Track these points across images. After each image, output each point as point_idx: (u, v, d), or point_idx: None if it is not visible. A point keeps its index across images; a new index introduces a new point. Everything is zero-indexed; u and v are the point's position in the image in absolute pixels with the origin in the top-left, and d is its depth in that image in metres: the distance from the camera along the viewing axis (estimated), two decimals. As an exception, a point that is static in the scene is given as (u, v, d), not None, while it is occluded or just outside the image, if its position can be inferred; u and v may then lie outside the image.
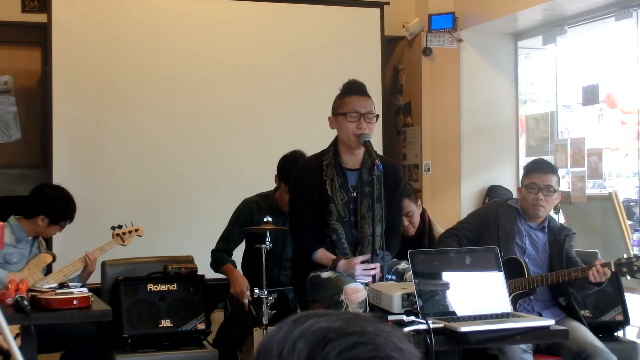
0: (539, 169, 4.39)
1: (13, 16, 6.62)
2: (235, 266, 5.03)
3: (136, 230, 4.94)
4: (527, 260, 4.26)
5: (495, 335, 3.04)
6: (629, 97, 9.38)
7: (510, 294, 3.35)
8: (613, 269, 4.03)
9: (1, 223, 3.43)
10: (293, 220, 4.18)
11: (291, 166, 4.77)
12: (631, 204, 6.74)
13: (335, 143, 4.10)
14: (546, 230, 4.37)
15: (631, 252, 5.28)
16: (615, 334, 4.85)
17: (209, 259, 5.07)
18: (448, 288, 3.20)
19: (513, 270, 4.10)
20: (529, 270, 4.18)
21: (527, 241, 4.33)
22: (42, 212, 4.75)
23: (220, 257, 5.04)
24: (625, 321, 4.84)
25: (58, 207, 4.81)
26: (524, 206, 4.36)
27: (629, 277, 4.18)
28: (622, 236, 6.07)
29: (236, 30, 6.76)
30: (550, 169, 4.44)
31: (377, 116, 4.07)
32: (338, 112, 4.03)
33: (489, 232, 4.29)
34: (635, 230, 5.34)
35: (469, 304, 3.18)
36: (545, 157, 7.09)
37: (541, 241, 4.35)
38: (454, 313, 3.12)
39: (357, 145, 3.96)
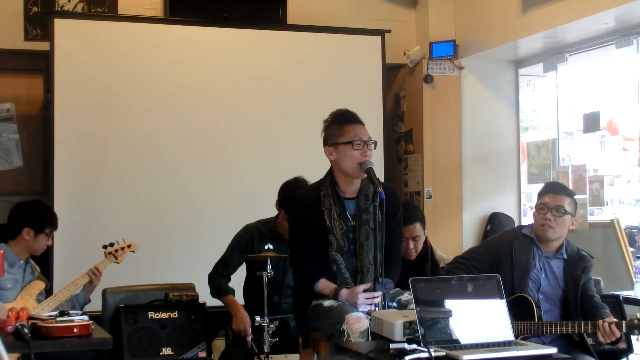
0: (551, 190, 4.31)
1: (16, 44, 6.65)
2: (234, 294, 5.00)
3: (129, 246, 4.90)
4: (541, 297, 4.17)
5: (497, 363, 3.01)
6: (631, 124, 9.40)
7: (516, 336, 3.29)
8: (624, 330, 3.93)
9: (1, 251, 3.41)
10: (293, 251, 4.16)
11: (292, 193, 4.76)
12: (633, 231, 6.72)
13: (330, 172, 4.09)
14: (564, 257, 4.26)
15: (634, 279, 5.24)
16: (619, 362, 4.82)
17: (207, 284, 5.03)
18: (450, 316, 3.17)
19: (523, 310, 4.01)
20: (540, 312, 4.07)
21: (543, 275, 4.23)
22: (24, 224, 4.75)
23: (220, 284, 5.00)
24: (629, 349, 4.81)
25: (38, 215, 4.81)
26: (536, 230, 4.27)
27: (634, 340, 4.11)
28: (624, 263, 6.06)
29: (237, 57, 6.79)
30: (563, 190, 4.33)
31: (376, 143, 4.07)
32: (339, 141, 4.00)
33: (502, 266, 4.15)
34: (638, 257, 5.31)
35: (471, 332, 3.15)
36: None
37: (557, 273, 4.24)
38: (456, 341, 3.10)
39: (360, 173, 3.95)
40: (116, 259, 4.86)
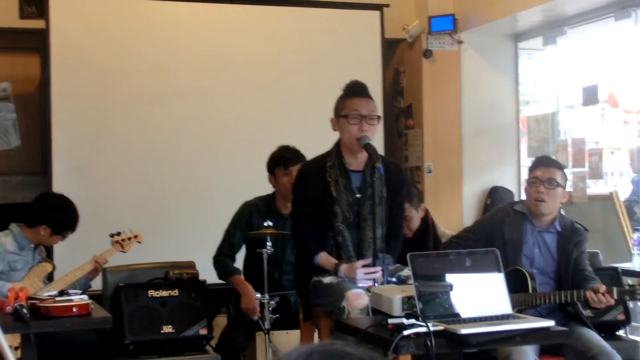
0: (542, 163, 4.32)
1: (11, 22, 6.60)
2: (241, 274, 5.00)
3: (135, 236, 4.90)
4: (535, 271, 4.16)
5: (495, 337, 3.02)
6: (631, 97, 9.38)
7: (512, 307, 3.31)
8: (616, 297, 3.93)
9: None
10: (295, 222, 4.16)
11: (278, 152, 4.83)
12: (631, 202, 6.73)
13: (338, 144, 4.08)
14: (557, 230, 4.26)
15: (632, 251, 5.24)
16: (617, 333, 4.84)
17: (211, 264, 5.04)
18: (448, 290, 3.18)
19: (517, 283, 4.00)
20: (534, 284, 4.07)
21: (536, 250, 4.23)
22: (44, 221, 4.73)
23: (226, 265, 4.98)
24: (627, 320, 4.83)
25: (61, 217, 4.78)
26: (528, 205, 4.27)
27: (631, 304, 4.11)
28: (623, 236, 6.06)
29: (236, 33, 6.75)
30: (554, 163, 4.35)
31: (379, 118, 4.05)
32: (340, 114, 4.01)
33: (496, 244, 4.08)
34: (636, 229, 5.31)
35: (470, 306, 3.16)
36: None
37: (551, 247, 4.24)
38: (454, 315, 3.11)
39: (358, 148, 3.94)
40: (122, 247, 4.85)
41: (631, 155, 8.65)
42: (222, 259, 5.00)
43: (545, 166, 4.28)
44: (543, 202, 4.20)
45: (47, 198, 4.94)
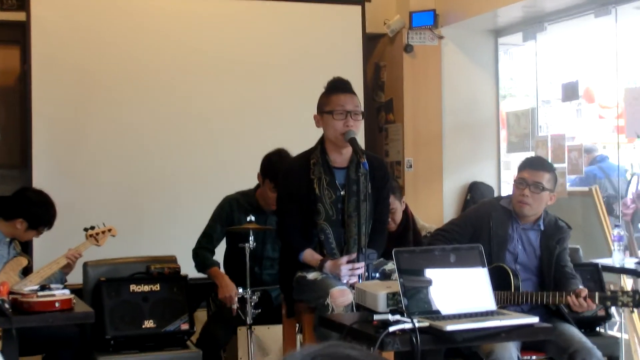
0: (530, 164, 4.28)
1: (-9, 14, 6.55)
2: (219, 267, 5.01)
3: (109, 230, 4.87)
4: (518, 267, 4.18)
5: (480, 333, 3.03)
6: (608, 92, 9.47)
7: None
8: (597, 302, 3.94)
9: None
10: (280, 219, 4.16)
11: (275, 164, 4.76)
12: (610, 199, 6.78)
13: (322, 141, 4.08)
14: (540, 229, 4.27)
15: (612, 248, 5.29)
16: (597, 329, 4.87)
17: (192, 259, 5.03)
18: (432, 286, 3.19)
19: (500, 280, 4.01)
20: (517, 282, 4.08)
21: (520, 247, 4.23)
22: (21, 215, 4.70)
23: (205, 257, 5.00)
24: (607, 316, 4.87)
25: (38, 211, 4.75)
26: (513, 205, 4.26)
27: (613, 309, 4.11)
28: (602, 232, 6.11)
29: (217, 28, 6.73)
30: (542, 166, 4.30)
31: (363, 113, 4.05)
32: (324, 110, 4.01)
33: (481, 238, 4.12)
34: (616, 225, 5.35)
35: (454, 302, 3.17)
36: (526, 153, 7.12)
37: (534, 244, 4.25)
38: (438, 312, 3.12)
39: (344, 143, 3.94)
40: (97, 241, 4.82)
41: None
42: (201, 252, 5.01)
43: (533, 169, 4.24)
44: (527, 205, 4.20)
45: (26, 192, 4.91)
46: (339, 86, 4.06)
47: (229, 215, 4.98)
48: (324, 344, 1.30)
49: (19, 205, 4.76)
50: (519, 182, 4.23)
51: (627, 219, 6.30)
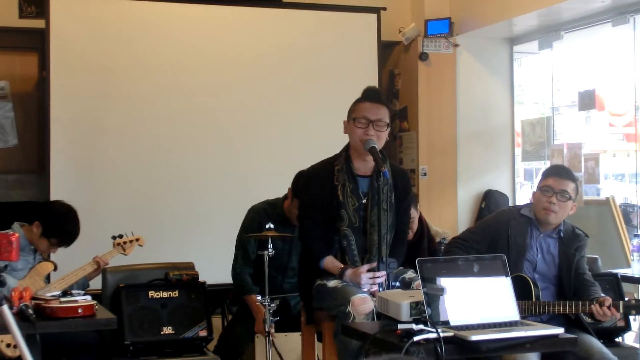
0: (557, 173, 4.28)
1: (10, 21, 6.59)
2: (258, 292, 4.88)
3: (137, 239, 4.92)
4: (537, 276, 4.17)
5: (505, 344, 3.03)
6: (621, 100, 9.45)
7: None
8: (621, 310, 3.95)
9: (17, 234, 3.39)
10: (302, 225, 4.16)
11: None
12: (628, 208, 6.75)
13: (347, 149, 4.10)
14: (559, 237, 4.26)
15: (632, 257, 5.27)
16: (616, 339, 4.86)
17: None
18: (456, 296, 3.19)
19: (521, 290, 3.99)
20: (538, 291, 4.07)
21: (539, 255, 4.22)
22: (39, 218, 4.73)
23: (244, 282, 4.95)
24: (627, 327, 4.86)
25: (55, 220, 4.76)
26: (536, 212, 4.25)
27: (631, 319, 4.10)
28: (619, 241, 6.09)
29: (233, 35, 6.75)
30: (568, 175, 4.29)
31: (388, 125, 4.05)
32: (351, 116, 4.04)
33: (499, 246, 4.13)
34: (635, 235, 5.32)
35: (478, 312, 3.18)
36: (542, 162, 7.12)
37: (553, 252, 4.24)
38: (463, 321, 3.12)
39: (364, 151, 3.95)
40: (124, 250, 4.86)
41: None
42: (240, 276, 4.98)
43: (559, 177, 4.24)
44: (553, 212, 4.19)
45: (55, 202, 4.96)
46: (369, 95, 4.08)
47: (259, 225, 4.84)
48: (384, 357, 1.30)
49: (41, 209, 4.83)
50: (545, 190, 4.21)
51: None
